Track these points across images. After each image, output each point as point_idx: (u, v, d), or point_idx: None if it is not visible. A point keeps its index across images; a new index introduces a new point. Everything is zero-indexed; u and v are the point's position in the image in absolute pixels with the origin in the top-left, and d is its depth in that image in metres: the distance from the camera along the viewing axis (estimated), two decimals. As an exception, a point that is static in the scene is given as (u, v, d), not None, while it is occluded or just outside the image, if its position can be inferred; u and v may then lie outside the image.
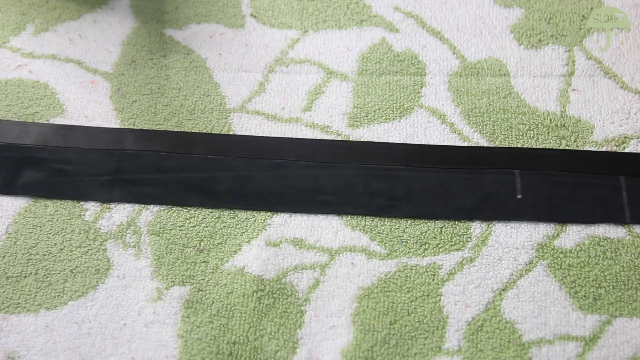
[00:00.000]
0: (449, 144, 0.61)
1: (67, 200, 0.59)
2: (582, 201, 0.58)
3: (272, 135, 0.61)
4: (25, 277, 0.56)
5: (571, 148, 0.60)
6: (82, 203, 0.59)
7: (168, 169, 0.60)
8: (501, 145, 0.60)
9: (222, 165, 0.60)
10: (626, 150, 0.60)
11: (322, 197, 0.58)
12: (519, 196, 0.58)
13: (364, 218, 0.58)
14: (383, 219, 0.58)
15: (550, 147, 0.60)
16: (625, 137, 0.60)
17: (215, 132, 0.62)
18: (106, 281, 0.56)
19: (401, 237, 0.57)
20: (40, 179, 0.59)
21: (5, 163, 0.60)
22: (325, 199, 0.58)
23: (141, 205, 0.59)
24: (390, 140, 0.61)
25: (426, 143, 0.61)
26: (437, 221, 0.58)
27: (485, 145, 0.61)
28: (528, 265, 0.56)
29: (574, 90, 0.63)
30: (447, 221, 0.58)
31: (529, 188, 0.58)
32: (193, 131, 0.61)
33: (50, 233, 0.58)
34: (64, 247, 0.57)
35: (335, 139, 0.61)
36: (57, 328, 0.55)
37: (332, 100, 0.63)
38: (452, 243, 0.57)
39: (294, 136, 0.62)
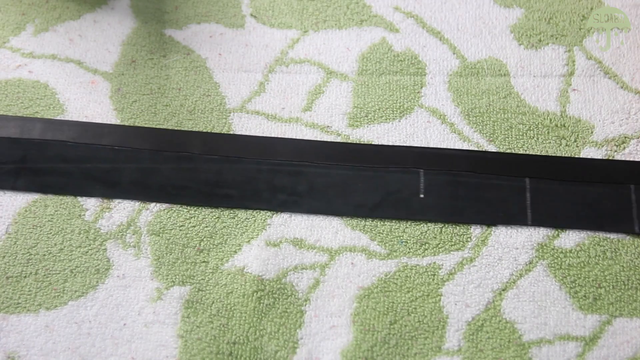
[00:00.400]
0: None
1: (67, 200, 0.59)
2: (485, 202, 0.58)
3: (180, 129, 0.62)
4: (25, 277, 0.56)
5: (571, 147, 0.60)
6: (82, 203, 0.59)
7: (74, 159, 0.60)
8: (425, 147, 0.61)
9: (128, 157, 0.60)
10: (626, 151, 0.60)
11: (225, 190, 0.59)
12: (422, 195, 0.58)
13: (364, 218, 0.58)
14: (383, 220, 0.58)
15: (458, 148, 0.60)
16: (625, 137, 0.60)
17: (213, 132, 0.62)
18: (106, 281, 0.56)
19: (401, 237, 0.57)
20: None
21: None
22: (228, 192, 0.59)
23: (141, 205, 0.59)
24: (391, 141, 0.61)
25: (426, 143, 0.61)
26: (410, 221, 0.58)
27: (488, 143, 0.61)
28: (528, 265, 0.56)
29: (574, 90, 0.63)
30: (420, 221, 0.58)
31: (433, 187, 0.58)
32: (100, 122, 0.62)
33: (50, 233, 0.58)
34: (64, 247, 0.57)
35: (240, 134, 0.62)
36: (57, 328, 0.55)
37: (332, 100, 0.63)
38: (452, 243, 0.57)
39: (295, 136, 0.62)
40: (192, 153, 0.60)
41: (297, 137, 0.61)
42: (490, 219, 0.57)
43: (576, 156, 0.60)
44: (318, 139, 0.62)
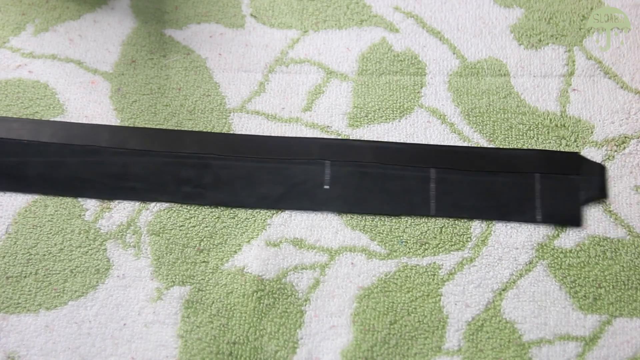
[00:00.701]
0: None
1: (67, 200, 0.59)
2: (389, 193, 0.58)
3: (88, 123, 0.62)
4: (25, 277, 0.56)
5: (571, 147, 0.60)
6: (82, 203, 0.59)
7: None
8: (361, 139, 0.61)
9: (36, 151, 0.60)
10: (626, 151, 0.60)
11: (130, 183, 0.59)
12: (326, 186, 0.58)
13: (363, 218, 0.58)
14: (383, 219, 0.58)
15: (364, 140, 0.61)
16: (625, 137, 0.60)
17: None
18: (106, 281, 0.56)
19: (401, 237, 0.57)
20: None
21: None
22: (133, 185, 0.59)
23: (141, 205, 0.59)
24: (390, 140, 0.61)
25: (426, 142, 0.61)
26: (437, 221, 0.58)
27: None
28: (528, 265, 0.56)
29: (574, 90, 0.63)
30: (448, 220, 0.58)
31: (338, 179, 0.59)
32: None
33: (50, 233, 0.58)
34: (64, 247, 0.57)
35: (148, 127, 0.62)
36: (57, 328, 0.55)
37: (332, 100, 0.63)
38: (452, 243, 0.57)
39: (295, 136, 0.62)
40: (99, 146, 0.60)
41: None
42: (395, 210, 0.58)
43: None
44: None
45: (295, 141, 0.61)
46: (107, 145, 0.60)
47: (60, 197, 0.59)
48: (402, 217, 0.58)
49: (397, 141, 0.61)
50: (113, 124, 0.62)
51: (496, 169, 0.59)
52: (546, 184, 0.58)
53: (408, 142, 0.61)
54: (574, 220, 0.57)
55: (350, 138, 0.61)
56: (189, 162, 0.60)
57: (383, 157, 0.60)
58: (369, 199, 0.58)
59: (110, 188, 0.59)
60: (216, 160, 0.60)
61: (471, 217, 0.57)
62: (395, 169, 0.59)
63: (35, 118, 0.62)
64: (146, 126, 0.62)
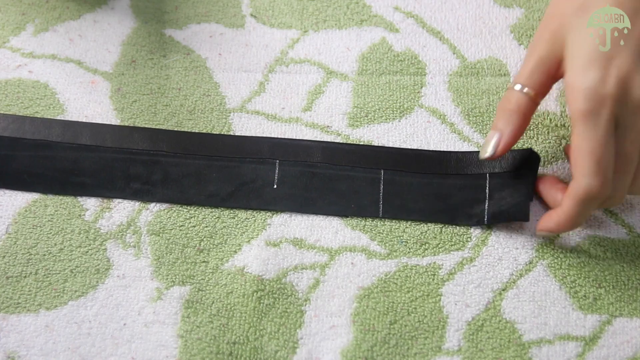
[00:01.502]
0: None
1: (67, 200, 0.59)
2: (338, 193, 0.58)
3: (39, 117, 0.62)
4: (25, 277, 0.56)
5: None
6: (82, 203, 0.59)
7: None
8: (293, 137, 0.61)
9: (15, 145, 0.60)
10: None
11: (79, 179, 0.59)
12: (275, 186, 0.58)
13: (363, 218, 0.58)
14: (383, 220, 0.58)
15: (313, 140, 0.61)
16: (625, 137, 0.60)
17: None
18: (106, 281, 0.56)
19: (401, 237, 0.57)
20: None
21: None
22: (82, 180, 0.59)
23: (141, 205, 0.59)
24: (391, 140, 0.61)
25: (426, 143, 0.61)
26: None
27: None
28: (528, 265, 0.56)
29: (574, 90, 0.63)
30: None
31: (287, 178, 0.59)
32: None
33: (50, 233, 0.58)
34: (64, 247, 0.58)
35: (99, 122, 0.62)
36: (57, 328, 0.55)
37: (332, 100, 0.63)
38: (452, 243, 0.57)
39: (295, 136, 0.62)
40: (50, 141, 0.60)
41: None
42: (343, 211, 0.58)
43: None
44: (318, 139, 0.62)
45: (246, 140, 0.61)
46: (58, 140, 0.60)
47: (61, 197, 0.59)
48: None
49: (350, 143, 0.61)
50: (65, 119, 0.62)
51: (446, 172, 0.58)
52: (496, 184, 0.57)
53: (408, 141, 0.61)
54: (522, 215, 0.55)
55: (301, 138, 0.61)
56: (139, 158, 0.60)
57: (333, 157, 0.60)
58: (317, 199, 0.58)
59: (59, 183, 0.59)
60: (166, 158, 0.60)
61: (418, 220, 0.57)
62: (345, 169, 0.59)
63: (20, 115, 0.62)
64: (146, 126, 0.62)
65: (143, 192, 0.59)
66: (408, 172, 0.59)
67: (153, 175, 0.59)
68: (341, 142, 0.61)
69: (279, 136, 0.62)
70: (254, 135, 0.62)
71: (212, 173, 0.59)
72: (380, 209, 0.58)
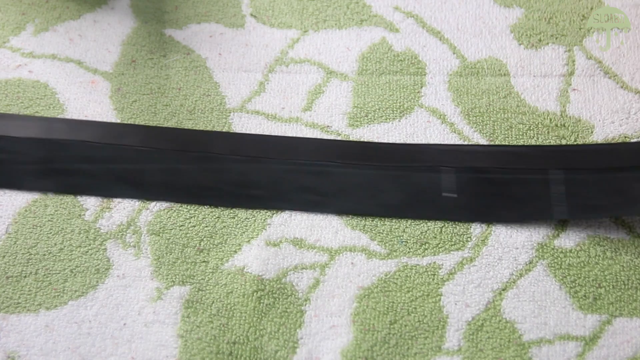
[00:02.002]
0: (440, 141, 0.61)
1: (67, 200, 0.59)
2: (512, 198, 0.57)
3: (204, 129, 0.61)
4: (25, 277, 0.56)
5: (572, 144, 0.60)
6: (81, 203, 0.59)
7: (98, 159, 0.59)
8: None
9: (151, 158, 0.59)
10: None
11: (252, 191, 0.58)
12: (450, 194, 0.57)
13: (364, 218, 0.58)
14: (383, 219, 0.58)
15: (478, 144, 0.60)
16: (625, 137, 0.60)
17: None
18: (106, 281, 0.56)
19: (401, 237, 0.57)
20: None
21: None
22: (255, 193, 0.58)
23: (141, 205, 0.59)
24: (391, 140, 0.61)
25: (425, 142, 0.61)
26: (437, 221, 0.58)
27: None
28: (528, 265, 0.56)
29: (574, 90, 0.63)
30: (447, 221, 0.58)
31: (461, 186, 0.57)
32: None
33: (50, 233, 0.58)
34: (64, 246, 0.57)
35: (265, 133, 0.61)
36: (57, 328, 0.55)
37: (332, 100, 0.63)
38: (452, 243, 0.57)
39: (296, 136, 0.62)
40: (216, 154, 0.59)
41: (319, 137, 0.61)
42: (520, 217, 0.57)
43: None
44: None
45: (414, 148, 0.59)
46: (224, 153, 0.59)
47: (60, 197, 0.59)
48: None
49: (517, 145, 0.59)
50: (225, 131, 0.61)
51: (622, 165, 0.56)
52: None
53: (408, 141, 0.61)
54: None
55: (467, 144, 0.59)
56: (310, 169, 0.58)
57: (504, 161, 0.57)
58: (492, 206, 0.57)
59: (232, 196, 0.58)
60: (337, 168, 0.58)
61: (604, 217, 0.56)
62: (517, 172, 0.57)
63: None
64: (147, 125, 0.62)
65: (315, 204, 0.57)
66: (585, 169, 0.56)
67: (326, 186, 0.58)
68: (507, 144, 0.59)
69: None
70: (418, 143, 0.60)
71: (384, 183, 0.58)
72: (559, 211, 0.56)
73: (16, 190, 0.58)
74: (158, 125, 0.62)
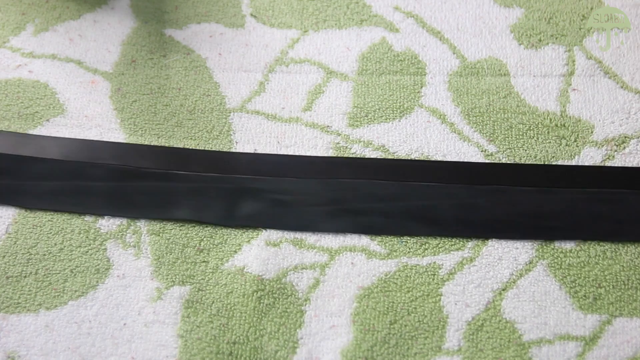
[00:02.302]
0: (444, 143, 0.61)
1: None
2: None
3: (488, 162, 0.60)
4: (25, 277, 0.56)
5: (571, 147, 0.60)
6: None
7: (387, 197, 0.58)
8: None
9: (440, 193, 0.58)
10: (626, 151, 0.60)
11: (547, 222, 0.57)
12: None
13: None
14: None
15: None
16: (625, 137, 0.60)
17: (213, 132, 0.62)
18: (106, 281, 0.56)
19: (401, 237, 0.57)
20: (260, 209, 0.58)
21: (222, 194, 0.58)
22: (550, 224, 0.57)
23: (141, 205, 0.59)
24: (390, 140, 0.61)
25: (426, 143, 0.61)
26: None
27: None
28: (528, 265, 0.56)
29: (574, 90, 0.63)
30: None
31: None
32: (405, 159, 0.60)
33: (50, 233, 0.58)
34: (64, 247, 0.57)
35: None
36: (57, 328, 0.55)
37: (332, 100, 0.63)
38: (452, 243, 0.57)
39: (295, 135, 0.62)
40: (506, 185, 0.58)
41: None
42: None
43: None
44: (318, 138, 0.61)
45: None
46: (512, 184, 0.58)
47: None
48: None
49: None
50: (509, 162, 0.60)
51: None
52: None
53: (408, 141, 0.61)
54: None
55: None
56: (602, 197, 0.57)
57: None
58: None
59: (529, 228, 0.57)
60: (632, 195, 0.57)
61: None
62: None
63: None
64: (146, 125, 0.62)
65: (614, 232, 0.56)
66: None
67: (620, 214, 0.57)
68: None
69: (281, 135, 0.62)
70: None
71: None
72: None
73: (309, 232, 0.57)
74: (158, 125, 0.62)
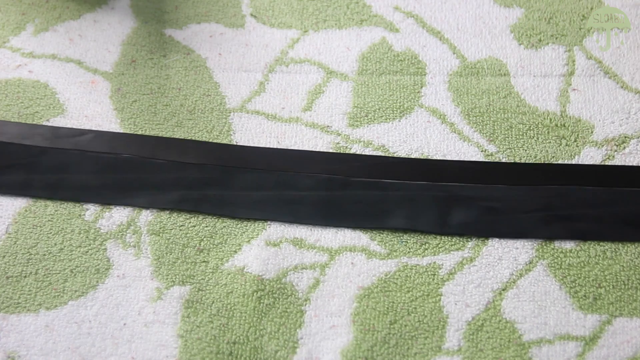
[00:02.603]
0: (447, 143, 0.61)
1: (68, 201, 0.59)
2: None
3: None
4: (25, 277, 0.56)
5: (571, 147, 0.60)
6: (82, 202, 0.59)
7: (598, 203, 0.57)
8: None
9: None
10: (626, 151, 0.60)
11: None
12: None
13: (364, 218, 0.58)
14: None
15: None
16: (625, 137, 0.60)
17: (213, 132, 0.62)
18: (106, 281, 0.56)
19: (401, 237, 0.57)
20: (472, 217, 0.57)
21: (434, 202, 0.58)
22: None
23: (141, 205, 0.59)
24: (390, 140, 0.61)
25: (426, 143, 0.61)
26: None
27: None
28: (528, 265, 0.56)
29: (574, 90, 0.63)
30: None
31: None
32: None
33: (51, 233, 0.58)
34: (64, 247, 0.57)
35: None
36: (57, 328, 0.55)
37: (332, 100, 0.63)
38: (452, 243, 0.57)
39: (295, 135, 0.62)
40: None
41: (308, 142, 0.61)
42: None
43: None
44: (318, 138, 0.62)
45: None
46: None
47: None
48: (402, 217, 0.58)
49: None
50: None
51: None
52: None
53: (408, 141, 0.61)
54: None
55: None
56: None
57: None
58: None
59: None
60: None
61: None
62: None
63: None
64: (146, 125, 0.62)
65: None
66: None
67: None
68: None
69: (280, 135, 0.62)
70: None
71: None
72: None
73: (520, 239, 0.57)
74: (158, 125, 0.62)
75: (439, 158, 0.60)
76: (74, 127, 0.63)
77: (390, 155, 0.60)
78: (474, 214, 0.57)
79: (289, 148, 0.61)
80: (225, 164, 0.60)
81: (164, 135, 0.62)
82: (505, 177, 0.59)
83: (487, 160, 0.60)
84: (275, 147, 0.61)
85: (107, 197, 0.59)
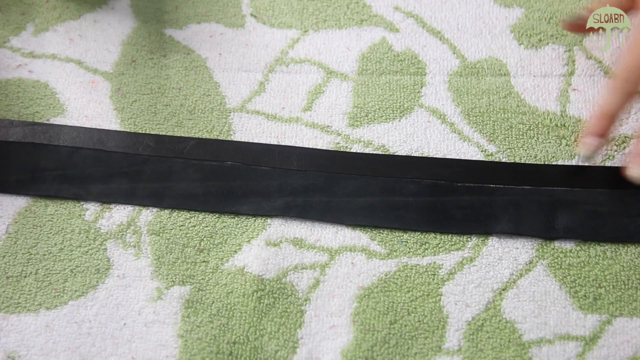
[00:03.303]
0: (448, 143, 0.61)
1: (67, 200, 0.59)
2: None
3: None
4: (25, 276, 0.56)
5: (571, 147, 0.60)
6: (82, 203, 0.59)
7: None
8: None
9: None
10: (626, 151, 0.60)
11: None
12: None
13: (364, 218, 0.58)
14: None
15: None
16: (625, 137, 0.60)
17: (213, 132, 0.62)
18: (106, 281, 0.56)
19: (401, 237, 0.57)
20: (577, 222, 0.57)
21: (539, 207, 0.57)
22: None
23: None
24: (390, 140, 0.61)
25: (426, 143, 0.61)
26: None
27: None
28: (528, 265, 0.56)
29: (574, 90, 0.63)
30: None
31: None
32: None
33: (51, 233, 0.58)
34: (64, 246, 0.58)
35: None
36: (57, 328, 0.55)
37: (332, 100, 0.63)
38: (452, 243, 0.57)
39: (295, 135, 0.62)
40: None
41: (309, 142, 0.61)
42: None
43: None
44: (318, 138, 0.62)
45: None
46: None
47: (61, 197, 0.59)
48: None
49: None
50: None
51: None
52: None
53: (409, 141, 0.61)
54: None
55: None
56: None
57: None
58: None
59: None
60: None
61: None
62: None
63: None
64: (146, 125, 0.62)
65: None
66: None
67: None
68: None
69: (279, 136, 0.62)
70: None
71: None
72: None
73: (628, 244, 0.56)
74: (158, 125, 0.62)
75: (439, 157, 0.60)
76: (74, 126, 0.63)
77: (491, 160, 0.60)
78: (579, 218, 0.57)
79: (391, 154, 0.61)
80: (328, 170, 0.59)
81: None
82: (605, 182, 0.58)
83: (511, 162, 0.60)
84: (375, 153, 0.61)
85: (212, 204, 0.58)
